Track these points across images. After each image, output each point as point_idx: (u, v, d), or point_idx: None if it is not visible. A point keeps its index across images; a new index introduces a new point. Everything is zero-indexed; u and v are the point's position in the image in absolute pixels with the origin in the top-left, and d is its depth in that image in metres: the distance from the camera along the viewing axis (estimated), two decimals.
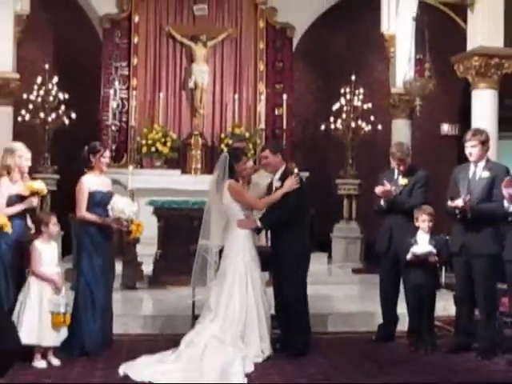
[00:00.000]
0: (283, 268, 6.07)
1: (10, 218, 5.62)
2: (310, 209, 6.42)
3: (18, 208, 5.70)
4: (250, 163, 6.43)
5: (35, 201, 5.81)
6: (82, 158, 6.10)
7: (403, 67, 10.74)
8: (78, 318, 5.75)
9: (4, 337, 1.53)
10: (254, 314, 5.85)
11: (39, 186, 5.91)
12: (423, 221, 6.22)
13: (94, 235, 5.91)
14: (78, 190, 5.92)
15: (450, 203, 5.93)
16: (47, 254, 5.51)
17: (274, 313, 6.22)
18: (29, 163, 6.02)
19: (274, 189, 6.19)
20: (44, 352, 5.39)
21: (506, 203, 5.60)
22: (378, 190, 6.46)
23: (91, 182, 5.94)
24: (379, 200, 6.55)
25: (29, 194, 5.75)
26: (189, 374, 5.22)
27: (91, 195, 5.89)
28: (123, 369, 5.28)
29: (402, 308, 6.58)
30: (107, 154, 6.19)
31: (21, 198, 5.75)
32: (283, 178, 6.13)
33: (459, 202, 5.85)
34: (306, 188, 6.44)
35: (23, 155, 5.92)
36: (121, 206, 5.81)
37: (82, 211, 5.90)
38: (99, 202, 5.90)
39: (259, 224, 6.06)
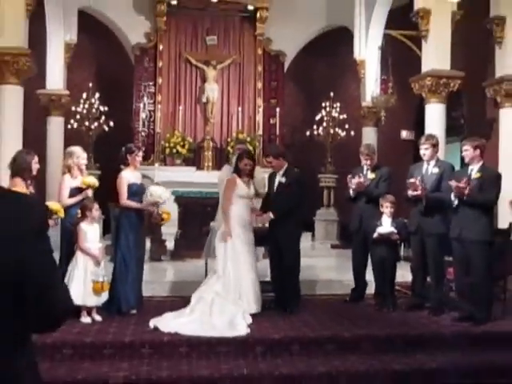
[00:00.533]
0: (281, 248, 6.08)
1: (71, 206, 5.73)
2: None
3: (76, 199, 5.79)
4: (246, 166, 6.33)
5: (90, 192, 5.85)
6: (120, 156, 6.10)
7: (371, 86, 10.79)
8: (115, 284, 5.77)
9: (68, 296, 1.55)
10: (245, 278, 5.85)
11: (92, 180, 5.96)
12: (386, 207, 6.23)
13: (132, 218, 5.91)
14: (119, 182, 5.91)
15: (409, 192, 5.95)
16: (91, 233, 5.54)
17: (269, 280, 6.27)
18: (85, 162, 6.11)
19: (276, 182, 6.16)
20: (89, 311, 5.43)
21: (452, 196, 5.62)
22: (354, 181, 6.45)
23: (129, 176, 5.95)
24: (349, 190, 6.56)
25: (85, 187, 5.79)
26: (203, 326, 5.26)
27: (129, 186, 5.90)
28: (153, 322, 5.33)
29: (369, 275, 6.59)
30: (140, 153, 6.20)
31: (80, 190, 5.84)
32: (286, 174, 6.14)
33: (417, 191, 5.87)
34: (305, 183, 6.48)
35: (80, 156, 6.00)
36: (159, 192, 5.89)
37: (124, 199, 5.90)
38: (135, 192, 5.91)
39: (272, 216, 6.04)
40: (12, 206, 1.41)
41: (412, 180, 5.91)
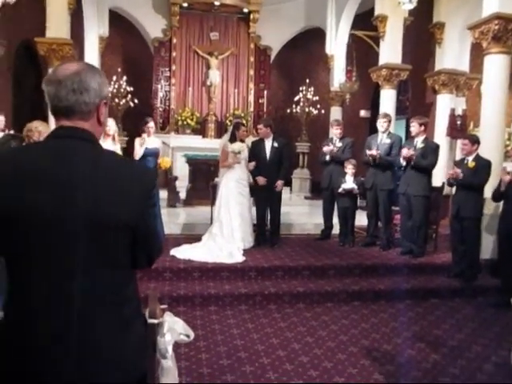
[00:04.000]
0: (273, 199, 6.01)
1: None
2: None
3: None
4: (245, 132, 6.26)
5: None
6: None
7: (338, 75, 10.60)
8: None
9: (162, 239, 1.61)
10: (235, 222, 5.74)
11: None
12: (349, 168, 6.22)
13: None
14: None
15: (367, 151, 5.94)
16: None
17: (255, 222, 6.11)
18: (111, 129, 5.76)
19: (268, 147, 5.98)
20: None
21: (401, 159, 5.61)
22: (326, 149, 6.39)
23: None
24: (324, 156, 6.48)
25: None
26: (211, 255, 5.31)
27: None
28: (172, 252, 5.36)
29: (335, 220, 6.62)
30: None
31: None
32: (276, 141, 6.00)
33: (373, 152, 5.87)
34: (291, 148, 6.40)
35: (107, 124, 5.73)
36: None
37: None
38: None
39: (283, 182, 5.97)
40: (135, 170, 1.40)
41: (373, 152, 5.88)
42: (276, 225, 6.13)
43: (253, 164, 5.93)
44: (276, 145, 6.01)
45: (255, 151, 6.07)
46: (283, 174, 6.06)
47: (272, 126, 6.12)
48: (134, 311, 1.40)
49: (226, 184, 5.88)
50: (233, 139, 5.94)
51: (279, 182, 5.95)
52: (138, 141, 5.96)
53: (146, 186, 1.38)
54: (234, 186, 5.85)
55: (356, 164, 6.27)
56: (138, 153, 5.85)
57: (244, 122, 11.08)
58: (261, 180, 5.91)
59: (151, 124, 6.02)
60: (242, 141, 6.02)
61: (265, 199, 6.05)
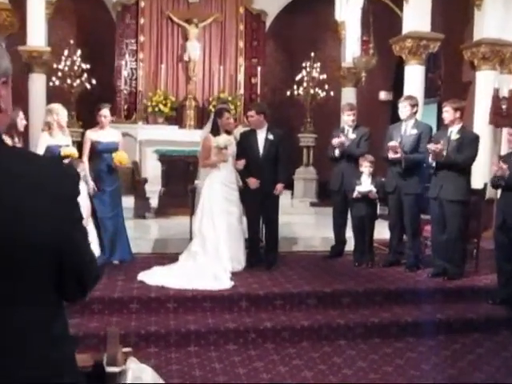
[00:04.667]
0: (269, 206, 6.04)
1: None
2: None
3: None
4: (231, 120, 6.26)
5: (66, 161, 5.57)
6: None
7: (352, 46, 10.63)
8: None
9: (96, 262, 1.56)
10: (222, 237, 5.73)
11: (72, 151, 5.65)
12: (366, 166, 6.22)
13: None
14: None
15: (390, 156, 5.94)
16: None
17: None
18: (65, 119, 5.84)
19: (261, 140, 5.99)
20: None
21: (430, 159, 5.64)
22: (335, 141, 6.39)
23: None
24: (333, 150, 6.48)
25: (64, 156, 5.56)
26: (191, 277, 5.29)
27: None
28: (140, 277, 5.37)
29: (349, 233, 6.61)
30: None
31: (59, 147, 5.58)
32: (272, 133, 6.00)
33: (397, 155, 5.87)
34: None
35: (60, 113, 5.75)
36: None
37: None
38: None
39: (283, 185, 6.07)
40: (51, 173, 1.33)
41: (393, 143, 5.90)
42: (273, 240, 6.14)
43: (242, 162, 5.92)
44: (271, 137, 6.00)
45: (245, 145, 6.06)
46: (283, 174, 6.07)
47: (266, 112, 6.12)
48: (64, 354, 1.37)
49: (209, 187, 5.87)
50: (215, 130, 5.93)
51: (279, 186, 5.96)
52: (88, 134, 5.98)
53: (67, 193, 1.33)
54: (219, 189, 5.83)
55: (374, 161, 6.28)
56: (85, 152, 5.96)
57: (232, 107, 11.17)
58: (253, 182, 5.91)
59: (105, 111, 6.02)
60: (229, 132, 6.02)
61: (258, 207, 6.03)
